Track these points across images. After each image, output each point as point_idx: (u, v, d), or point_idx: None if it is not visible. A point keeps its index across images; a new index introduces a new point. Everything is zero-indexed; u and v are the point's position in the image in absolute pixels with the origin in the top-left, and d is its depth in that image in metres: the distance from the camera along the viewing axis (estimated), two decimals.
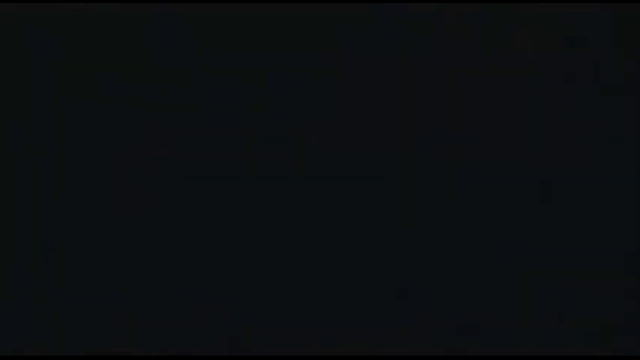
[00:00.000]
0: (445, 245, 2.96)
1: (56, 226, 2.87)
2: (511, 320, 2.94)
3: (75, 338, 2.85)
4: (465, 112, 2.99)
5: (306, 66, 2.96)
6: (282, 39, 2.96)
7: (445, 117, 2.98)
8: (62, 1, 2.88)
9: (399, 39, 2.98)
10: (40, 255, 2.86)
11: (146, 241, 2.89)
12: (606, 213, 2.98)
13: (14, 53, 2.90)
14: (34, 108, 2.90)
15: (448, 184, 2.96)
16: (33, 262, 2.86)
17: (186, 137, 2.92)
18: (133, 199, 2.89)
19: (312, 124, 2.95)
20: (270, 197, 2.93)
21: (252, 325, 2.89)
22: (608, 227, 2.97)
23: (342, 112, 2.96)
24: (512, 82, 3.00)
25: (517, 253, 2.96)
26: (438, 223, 2.95)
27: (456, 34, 2.99)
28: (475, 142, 2.98)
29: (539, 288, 2.96)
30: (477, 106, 2.99)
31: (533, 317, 2.95)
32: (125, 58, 2.93)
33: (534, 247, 2.97)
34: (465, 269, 2.95)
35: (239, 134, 2.93)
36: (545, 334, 2.95)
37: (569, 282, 2.97)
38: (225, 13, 2.93)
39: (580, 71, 3.00)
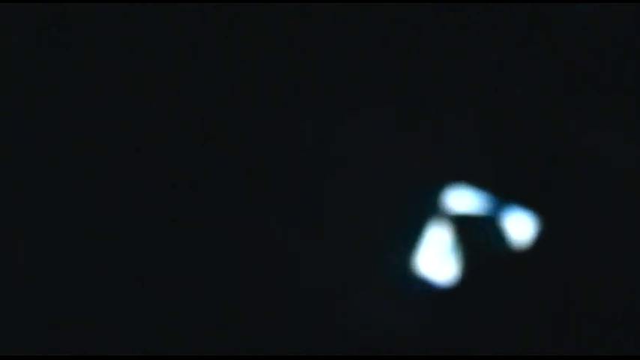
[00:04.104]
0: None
1: (54, 227, 2.88)
2: (511, 320, 2.95)
3: (75, 338, 2.85)
4: (464, 112, 2.99)
5: (306, 66, 2.97)
6: (282, 38, 2.96)
7: (444, 117, 2.99)
8: (62, 1, 2.88)
9: (399, 39, 2.98)
10: (40, 255, 2.87)
11: (145, 241, 2.89)
12: (606, 213, 2.99)
13: (14, 52, 2.91)
14: (33, 108, 2.90)
15: (447, 184, 2.97)
16: (33, 262, 2.86)
17: (185, 137, 2.93)
18: (132, 199, 2.90)
19: (311, 124, 2.96)
20: (269, 197, 2.93)
21: (251, 325, 2.90)
22: (609, 226, 2.98)
23: (342, 111, 2.97)
24: (512, 82, 3.01)
25: (517, 253, 2.97)
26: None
27: (456, 34, 2.99)
28: (474, 142, 2.99)
29: (539, 287, 2.97)
30: (476, 107, 3.00)
31: (532, 317, 2.96)
32: (125, 58, 2.93)
33: (536, 247, 2.97)
34: (464, 268, 2.95)
35: (238, 134, 2.94)
36: (545, 334, 2.95)
37: (569, 281, 2.97)
38: (224, 12, 2.94)
39: (582, 71, 3.01)
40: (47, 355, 2.82)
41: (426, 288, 2.94)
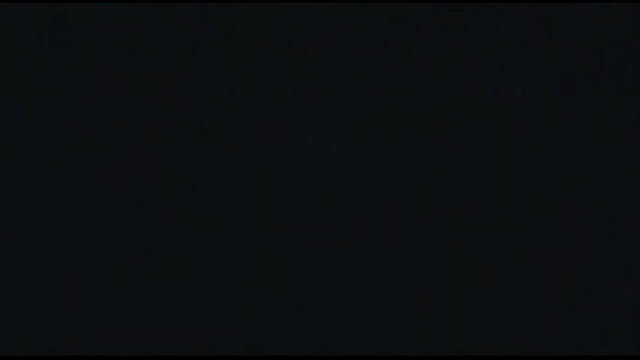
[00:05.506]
0: (445, 245, 2.96)
1: (54, 226, 2.87)
2: (510, 320, 2.95)
3: (74, 338, 2.85)
4: (464, 113, 2.99)
5: (306, 66, 2.96)
6: (282, 38, 2.96)
7: (444, 117, 2.98)
8: (62, 1, 2.88)
9: (399, 39, 2.98)
10: (40, 255, 2.86)
11: (144, 242, 2.89)
12: (606, 213, 2.98)
13: (14, 52, 2.91)
14: (33, 108, 2.90)
15: (448, 185, 2.96)
16: (33, 263, 2.86)
17: (185, 137, 2.92)
18: (132, 199, 2.90)
19: (311, 124, 2.95)
20: (268, 197, 2.93)
21: (252, 325, 2.90)
22: (609, 227, 2.97)
23: (342, 112, 2.97)
24: (512, 82, 3.00)
25: (518, 254, 2.96)
26: (438, 223, 2.95)
27: (456, 34, 2.99)
28: (475, 142, 2.98)
29: (538, 287, 2.96)
30: (476, 107, 2.99)
31: (532, 317, 2.95)
32: (125, 58, 2.93)
33: (535, 247, 2.97)
34: (464, 269, 2.95)
35: (238, 134, 2.93)
36: (545, 334, 2.95)
37: (569, 282, 2.97)
38: (224, 12, 2.93)
39: (582, 71, 3.00)
40: (47, 355, 2.82)
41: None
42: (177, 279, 2.88)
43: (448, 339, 2.92)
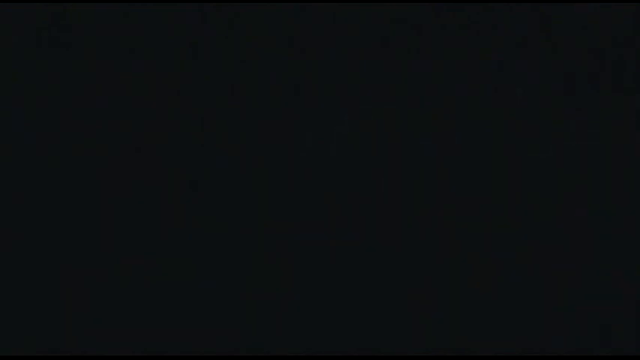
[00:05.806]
0: (445, 245, 2.96)
1: (54, 226, 2.87)
2: (510, 320, 2.95)
3: (75, 338, 2.85)
4: (464, 113, 2.99)
5: (306, 66, 2.96)
6: (282, 38, 2.96)
7: (444, 117, 2.98)
8: (62, 1, 2.88)
9: (399, 39, 2.98)
10: (40, 255, 2.86)
11: (144, 242, 2.89)
12: (606, 213, 2.98)
13: (14, 52, 2.91)
14: (33, 108, 2.90)
15: (448, 185, 2.96)
16: (33, 263, 2.86)
17: (185, 137, 2.92)
18: (132, 199, 2.90)
19: (311, 124, 2.95)
20: (268, 197, 2.93)
21: (252, 325, 2.90)
22: (609, 227, 2.97)
23: (342, 112, 2.97)
24: (512, 82, 3.00)
25: (518, 254, 2.96)
26: (438, 223, 2.95)
27: (456, 34, 2.99)
28: (475, 142, 2.98)
29: (538, 287, 2.96)
30: (476, 107, 2.99)
31: (532, 317, 2.95)
32: (125, 58, 2.93)
33: (535, 247, 2.97)
34: (464, 269, 2.95)
35: (238, 134, 2.93)
36: (545, 334, 2.95)
37: (569, 282, 2.97)
38: (224, 12, 2.93)
39: (582, 71, 3.00)
40: (47, 355, 2.82)
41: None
42: (177, 279, 2.88)
43: (448, 339, 2.92)
